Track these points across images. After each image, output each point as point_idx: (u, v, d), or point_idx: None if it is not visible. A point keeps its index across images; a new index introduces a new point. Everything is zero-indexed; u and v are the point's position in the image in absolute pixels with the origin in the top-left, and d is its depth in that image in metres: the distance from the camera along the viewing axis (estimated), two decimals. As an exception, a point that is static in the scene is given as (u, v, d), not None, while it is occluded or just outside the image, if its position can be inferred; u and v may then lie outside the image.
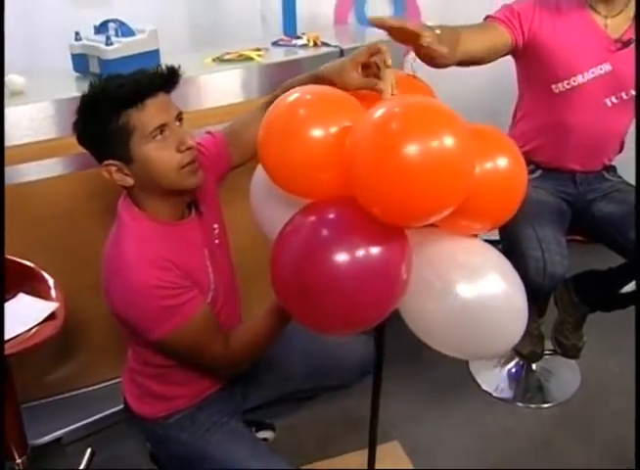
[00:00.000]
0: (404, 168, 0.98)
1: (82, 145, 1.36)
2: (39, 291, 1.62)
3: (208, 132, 1.58)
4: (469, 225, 1.19)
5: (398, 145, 0.98)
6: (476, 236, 1.23)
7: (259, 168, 1.34)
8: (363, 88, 1.23)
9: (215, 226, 1.54)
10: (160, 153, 1.31)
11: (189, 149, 1.33)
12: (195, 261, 1.44)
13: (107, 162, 1.33)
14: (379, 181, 1.00)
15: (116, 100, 1.28)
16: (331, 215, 1.13)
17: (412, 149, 0.97)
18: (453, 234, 1.20)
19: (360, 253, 1.07)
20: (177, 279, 1.35)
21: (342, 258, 1.06)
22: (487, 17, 1.93)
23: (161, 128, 1.30)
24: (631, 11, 1.92)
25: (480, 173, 1.09)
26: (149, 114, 1.29)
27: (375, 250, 1.08)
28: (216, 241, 1.53)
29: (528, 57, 1.94)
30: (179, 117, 1.35)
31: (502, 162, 1.14)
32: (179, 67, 1.37)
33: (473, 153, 1.03)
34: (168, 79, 1.34)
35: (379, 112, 1.03)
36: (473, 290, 1.14)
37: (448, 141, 0.98)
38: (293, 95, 1.16)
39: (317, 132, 1.10)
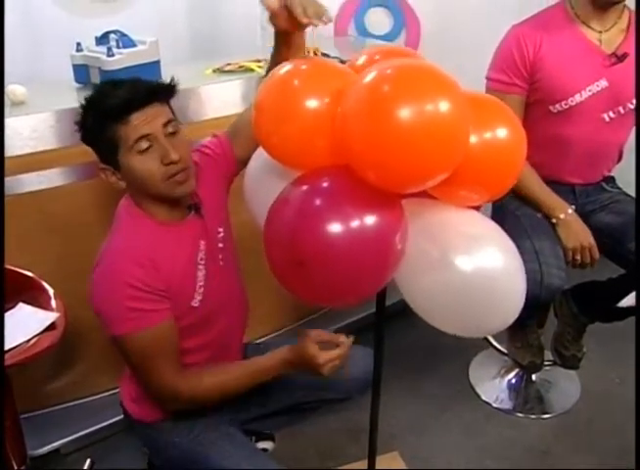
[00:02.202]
0: (396, 131, 0.97)
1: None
2: (39, 301, 1.62)
3: (214, 134, 1.59)
4: (466, 196, 1.17)
5: (390, 107, 0.96)
6: (476, 209, 1.21)
7: (255, 155, 1.35)
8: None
9: (220, 230, 1.53)
10: (145, 165, 1.33)
11: (173, 163, 1.33)
12: (182, 263, 1.43)
13: (102, 166, 1.38)
14: (371, 145, 0.99)
15: (103, 115, 1.31)
16: (324, 184, 1.11)
17: (404, 111, 0.95)
18: (452, 205, 1.18)
19: (354, 220, 1.05)
20: (154, 283, 1.35)
21: (335, 226, 1.04)
22: (494, 85, 1.95)
23: (145, 139, 1.31)
24: (623, 23, 1.93)
25: (479, 142, 1.07)
26: (132, 126, 1.30)
27: (368, 218, 1.06)
28: (220, 245, 1.53)
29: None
30: (168, 126, 1.34)
31: (501, 131, 1.11)
32: (172, 79, 1.38)
33: (467, 115, 1.01)
34: (157, 92, 1.34)
35: (370, 74, 1.02)
36: (471, 261, 1.11)
37: (441, 102, 0.97)
38: (285, 66, 1.16)
39: (310, 99, 1.09)
